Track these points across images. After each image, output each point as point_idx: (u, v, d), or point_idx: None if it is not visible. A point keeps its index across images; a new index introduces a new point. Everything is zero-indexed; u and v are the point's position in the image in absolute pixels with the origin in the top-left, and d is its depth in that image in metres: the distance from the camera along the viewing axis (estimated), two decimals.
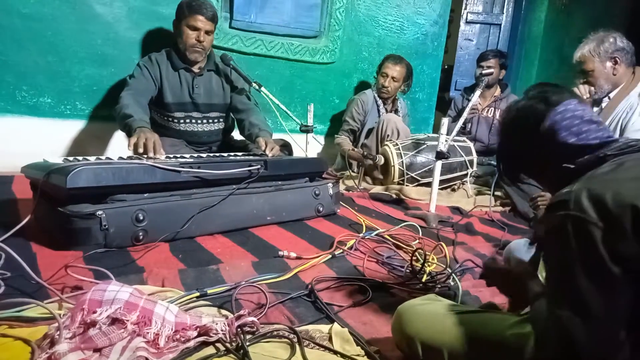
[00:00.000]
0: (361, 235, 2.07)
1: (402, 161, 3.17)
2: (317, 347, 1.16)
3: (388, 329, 1.24)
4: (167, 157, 2.10)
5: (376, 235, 2.10)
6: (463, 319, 1.06)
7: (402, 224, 2.26)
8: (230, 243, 1.91)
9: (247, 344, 1.12)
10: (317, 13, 3.67)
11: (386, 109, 3.65)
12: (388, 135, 3.42)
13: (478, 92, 2.76)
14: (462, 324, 1.04)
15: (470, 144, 3.38)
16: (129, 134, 2.24)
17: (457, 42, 5.31)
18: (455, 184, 3.27)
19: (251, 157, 2.30)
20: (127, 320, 1.05)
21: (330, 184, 2.42)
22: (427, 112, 4.45)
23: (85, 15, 2.83)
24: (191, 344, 1.11)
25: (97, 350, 1.01)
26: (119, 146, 3.06)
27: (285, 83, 3.62)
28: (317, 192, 2.34)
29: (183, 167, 1.89)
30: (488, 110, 3.89)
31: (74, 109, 2.96)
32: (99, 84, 2.97)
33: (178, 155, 2.17)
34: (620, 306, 0.79)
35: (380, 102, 3.62)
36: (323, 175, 2.54)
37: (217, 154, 2.57)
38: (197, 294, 1.38)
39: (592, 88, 2.41)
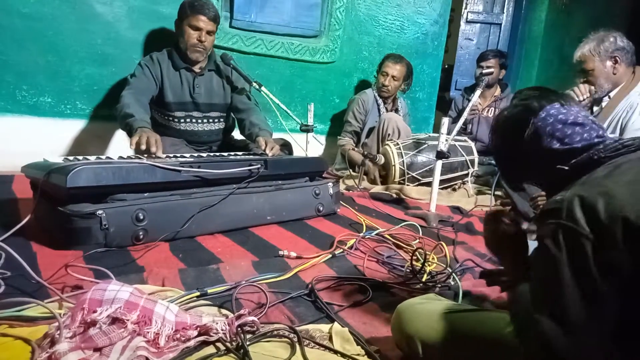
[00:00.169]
0: (361, 234, 2.07)
1: (403, 161, 3.17)
2: (318, 346, 1.16)
3: (388, 329, 1.24)
4: (167, 157, 2.10)
5: (376, 234, 2.10)
6: (462, 318, 1.06)
7: (403, 224, 2.26)
8: (230, 242, 1.91)
9: (248, 343, 1.12)
10: (317, 12, 3.67)
11: (386, 108, 3.65)
12: (389, 135, 3.42)
13: (478, 92, 2.76)
14: (461, 322, 1.05)
15: (471, 144, 3.38)
16: (130, 134, 2.25)
17: (458, 41, 5.31)
18: (455, 184, 3.27)
19: (251, 157, 2.30)
20: (128, 320, 1.05)
21: (330, 184, 2.42)
22: (428, 112, 4.45)
23: (86, 15, 2.84)
24: (191, 343, 1.11)
25: (98, 349, 1.00)
26: (119, 146, 3.07)
27: (285, 82, 3.62)
28: (317, 191, 2.34)
29: (183, 167, 1.89)
30: (488, 110, 3.89)
31: (74, 109, 2.96)
32: (99, 83, 2.97)
33: (178, 155, 2.17)
34: (605, 319, 0.78)
35: (380, 101, 3.62)
36: (323, 175, 2.54)
37: (217, 154, 2.57)
38: (198, 293, 1.38)
39: (592, 87, 2.41)
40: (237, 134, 3.00)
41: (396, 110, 3.69)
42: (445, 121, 2.55)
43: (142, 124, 2.25)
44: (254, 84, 2.76)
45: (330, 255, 1.83)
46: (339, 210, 2.49)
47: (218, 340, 1.14)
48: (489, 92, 3.90)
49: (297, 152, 2.85)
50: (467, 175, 3.25)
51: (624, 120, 2.35)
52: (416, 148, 3.21)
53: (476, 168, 3.29)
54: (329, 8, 3.68)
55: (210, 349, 1.12)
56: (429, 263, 1.75)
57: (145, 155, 2.06)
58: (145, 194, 1.81)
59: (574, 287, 0.78)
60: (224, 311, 1.31)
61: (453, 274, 1.66)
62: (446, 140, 2.53)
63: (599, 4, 4.29)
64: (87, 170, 1.64)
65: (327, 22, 3.70)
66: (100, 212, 1.65)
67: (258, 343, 1.15)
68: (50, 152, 2.05)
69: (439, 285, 1.61)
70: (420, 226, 2.23)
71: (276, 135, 2.74)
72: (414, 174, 3.16)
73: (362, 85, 3.94)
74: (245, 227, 2.08)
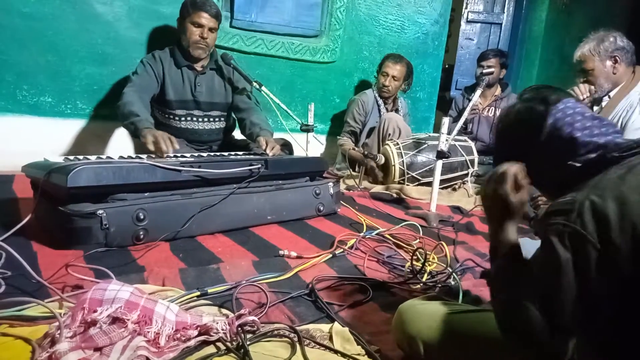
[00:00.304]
0: (362, 234, 2.07)
1: (403, 160, 3.17)
2: (318, 346, 1.16)
3: (388, 328, 1.24)
4: (167, 156, 2.10)
5: (377, 234, 2.10)
6: (464, 318, 1.06)
7: (403, 224, 2.26)
8: (230, 242, 1.91)
9: (248, 343, 1.12)
10: (318, 12, 3.67)
11: (387, 109, 3.65)
12: (389, 135, 3.42)
13: (479, 92, 2.76)
14: (462, 323, 1.05)
15: (472, 144, 3.38)
16: (134, 133, 2.28)
17: (458, 41, 5.31)
18: (456, 184, 3.27)
19: (252, 157, 2.30)
20: (128, 320, 1.05)
21: (330, 183, 2.42)
22: (428, 112, 4.45)
23: (86, 15, 2.84)
24: (192, 343, 1.11)
25: (98, 349, 1.01)
26: (119, 145, 3.07)
27: (285, 82, 3.62)
28: (317, 191, 2.34)
29: (184, 166, 1.89)
30: (489, 109, 3.89)
31: (75, 108, 2.96)
32: (100, 83, 2.97)
33: (179, 155, 2.17)
34: (596, 321, 0.79)
35: (380, 101, 3.62)
36: (324, 175, 2.54)
37: (218, 153, 2.57)
38: (198, 293, 1.38)
39: (592, 87, 2.41)
40: (237, 134, 3.00)
41: (396, 110, 3.69)
42: (446, 121, 2.55)
43: (148, 125, 2.27)
44: (255, 84, 2.76)
45: (331, 255, 1.83)
46: (339, 210, 2.49)
47: (218, 340, 1.14)
48: (490, 92, 3.90)
49: (298, 152, 2.85)
50: (467, 175, 3.25)
51: (624, 119, 2.35)
52: (416, 148, 3.21)
53: (476, 168, 3.29)
54: (330, 8, 3.67)
55: (211, 349, 1.12)
56: (430, 263, 1.75)
57: (160, 155, 2.09)
58: (146, 194, 1.80)
59: (572, 288, 0.79)
60: (225, 311, 1.31)
61: (453, 273, 1.66)
62: (446, 140, 2.53)
63: (599, 4, 4.29)
64: (87, 170, 1.64)
65: (327, 22, 3.70)
66: (100, 211, 1.65)
67: (258, 343, 1.15)
68: (50, 151, 2.06)
69: (440, 285, 1.61)
70: (421, 226, 2.23)
71: (276, 135, 2.74)
72: (413, 174, 3.16)
73: (363, 85, 3.94)
74: (246, 227, 2.08)
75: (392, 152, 3.20)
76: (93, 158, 1.98)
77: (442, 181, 2.85)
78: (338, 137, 3.68)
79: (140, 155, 2.11)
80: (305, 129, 2.85)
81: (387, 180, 3.28)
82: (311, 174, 2.41)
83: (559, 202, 0.86)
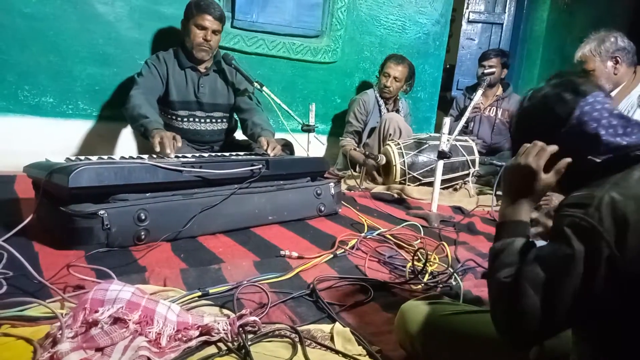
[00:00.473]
0: (363, 234, 2.07)
1: (404, 161, 3.17)
2: (319, 346, 1.16)
3: (389, 329, 1.25)
4: (169, 157, 2.10)
5: (378, 234, 2.10)
6: (466, 319, 1.06)
7: (404, 224, 2.26)
8: (231, 242, 1.91)
9: (249, 343, 1.12)
10: (319, 12, 3.67)
11: (387, 109, 3.65)
12: (390, 135, 3.41)
13: (480, 92, 2.76)
14: (465, 323, 1.04)
15: (473, 144, 3.37)
16: (144, 135, 2.30)
17: (459, 41, 5.31)
18: (457, 184, 3.26)
19: (253, 157, 2.30)
20: (129, 320, 1.05)
21: (331, 184, 2.42)
22: (429, 112, 4.45)
23: (87, 15, 2.84)
24: (193, 343, 1.12)
25: (99, 349, 1.01)
26: (121, 146, 3.08)
27: (286, 82, 3.62)
28: (318, 191, 2.34)
29: (185, 167, 1.89)
30: (490, 109, 3.89)
31: (76, 109, 2.96)
32: (101, 83, 2.97)
33: (180, 155, 2.17)
34: (595, 319, 0.79)
35: (381, 102, 3.62)
36: (325, 175, 2.54)
37: (219, 154, 2.57)
38: (199, 293, 1.38)
39: None
40: (239, 135, 3.00)
41: (397, 111, 3.68)
42: (447, 121, 2.55)
43: (157, 126, 2.29)
44: (256, 84, 2.76)
45: (332, 255, 1.83)
46: (340, 210, 2.49)
47: (220, 340, 1.14)
48: (491, 92, 3.90)
49: (299, 152, 2.85)
50: (468, 175, 3.25)
51: None
52: (417, 148, 3.21)
53: (477, 168, 3.29)
54: (331, 8, 3.67)
55: (212, 349, 1.12)
56: (431, 263, 1.75)
57: (167, 155, 2.11)
58: (147, 194, 1.81)
59: (577, 282, 0.77)
60: (226, 311, 1.31)
61: (454, 274, 1.66)
62: (447, 140, 2.53)
63: (601, 4, 4.29)
64: (89, 170, 1.65)
65: (328, 22, 3.70)
66: (102, 212, 1.65)
67: (259, 343, 1.15)
68: (52, 152, 2.06)
69: (441, 286, 1.61)
70: (422, 226, 2.23)
71: (277, 135, 2.75)
72: (415, 174, 3.16)
73: (364, 85, 3.94)
74: (247, 227, 2.08)
75: (393, 152, 3.20)
76: (94, 158, 1.98)
77: (443, 181, 2.85)
78: (340, 137, 3.68)
79: (141, 156, 2.12)
80: (307, 129, 2.85)
81: (388, 180, 3.28)
82: (312, 174, 2.41)
83: (576, 195, 0.84)
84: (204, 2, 2.61)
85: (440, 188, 2.69)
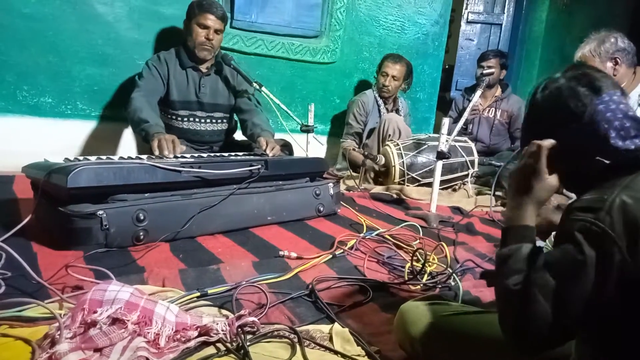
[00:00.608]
0: (362, 235, 2.07)
1: (403, 161, 3.17)
2: (318, 347, 1.16)
3: (389, 329, 1.25)
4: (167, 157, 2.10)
5: (377, 235, 2.10)
6: (466, 320, 1.06)
7: (403, 224, 2.26)
8: (230, 243, 1.91)
9: (248, 344, 1.12)
10: (318, 13, 3.67)
11: (387, 109, 3.65)
12: (389, 135, 3.42)
13: (479, 92, 2.76)
14: (464, 324, 1.04)
15: (472, 144, 3.38)
16: (146, 139, 2.30)
17: (458, 42, 5.31)
18: (456, 184, 3.27)
19: (252, 157, 2.30)
20: (128, 320, 1.05)
21: (330, 184, 2.42)
22: (428, 112, 4.45)
23: (86, 15, 2.84)
24: (192, 344, 1.11)
25: (98, 350, 1.01)
26: (120, 146, 3.07)
27: (286, 83, 3.62)
28: (317, 192, 2.34)
29: (184, 167, 1.89)
30: (489, 110, 3.89)
31: (75, 109, 2.96)
32: (100, 84, 2.97)
33: (179, 155, 2.17)
34: (599, 321, 0.79)
35: (381, 102, 3.62)
36: (324, 175, 2.54)
37: (218, 154, 2.57)
38: (198, 294, 1.38)
39: None
40: (238, 135, 3.00)
41: (397, 111, 3.69)
42: (446, 122, 2.55)
43: (158, 129, 2.30)
44: (255, 85, 2.76)
45: (331, 256, 1.83)
46: (339, 210, 2.49)
47: (218, 341, 1.14)
48: (490, 93, 3.90)
49: (298, 153, 2.85)
50: (467, 175, 3.25)
51: None
52: (416, 149, 3.21)
53: (476, 169, 3.29)
54: (330, 8, 3.67)
55: (211, 350, 1.12)
56: (430, 263, 1.75)
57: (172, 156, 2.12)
58: (146, 195, 1.80)
59: (589, 288, 0.77)
60: (225, 312, 1.31)
61: (453, 274, 1.66)
62: (446, 140, 2.53)
63: (600, 4, 4.29)
64: (87, 171, 1.64)
65: (327, 23, 3.70)
66: (100, 212, 1.65)
67: (258, 343, 1.15)
68: (50, 152, 2.06)
69: (440, 286, 1.61)
70: (421, 227, 2.23)
71: (277, 135, 2.74)
72: (414, 175, 3.16)
73: (363, 85, 3.94)
74: (246, 228, 2.08)
75: (392, 153, 3.20)
76: (93, 158, 1.98)
77: (442, 182, 2.85)
78: (341, 139, 3.68)
79: (140, 156, 2.11)
80: (306, 129, 2.85)
81: (387, 181, 3.28)
82: (311, 175, 2.41)
83: (586, 198, 0.83)
84: (206, 1, 2.62)
85: (439, 188, 2.69)
